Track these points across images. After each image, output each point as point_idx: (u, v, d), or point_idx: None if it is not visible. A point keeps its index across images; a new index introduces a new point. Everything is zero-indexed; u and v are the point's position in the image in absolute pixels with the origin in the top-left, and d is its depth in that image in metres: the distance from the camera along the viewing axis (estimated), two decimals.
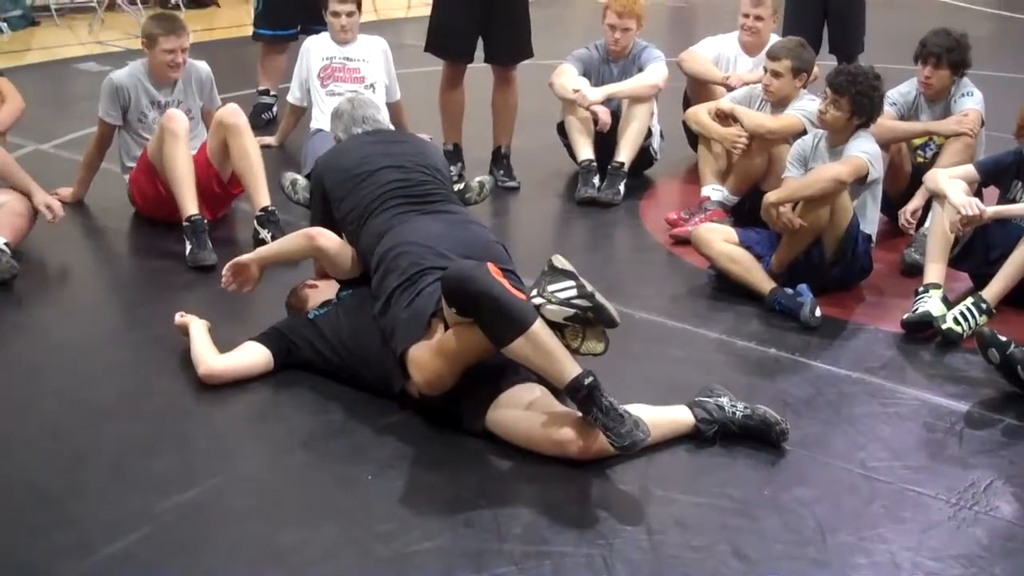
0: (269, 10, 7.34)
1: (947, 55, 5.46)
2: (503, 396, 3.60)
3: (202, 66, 5.73)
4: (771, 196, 4.81)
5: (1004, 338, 4.10)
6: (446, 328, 3.58)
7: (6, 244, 4.85)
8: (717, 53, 6.52)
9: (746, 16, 6.44)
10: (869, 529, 3.27)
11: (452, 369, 3.53)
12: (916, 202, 5.34)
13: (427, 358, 3.55)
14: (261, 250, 4.34)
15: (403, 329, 3.68)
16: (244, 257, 4.25)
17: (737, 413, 3.65)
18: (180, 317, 4.17)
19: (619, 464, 3.52)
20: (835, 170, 4.78)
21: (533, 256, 5.54)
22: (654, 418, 3.55)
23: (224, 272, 4.23)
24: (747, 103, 5.77)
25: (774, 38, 6.22)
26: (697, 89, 6.52)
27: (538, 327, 3.36)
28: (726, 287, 4.93)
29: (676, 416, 3.64)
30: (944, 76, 5.50)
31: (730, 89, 6.15)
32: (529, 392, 3.62)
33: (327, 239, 4.12)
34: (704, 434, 3.64)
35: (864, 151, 4.86)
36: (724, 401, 3.69)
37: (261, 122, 7.13)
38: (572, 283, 3.42)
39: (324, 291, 4.25)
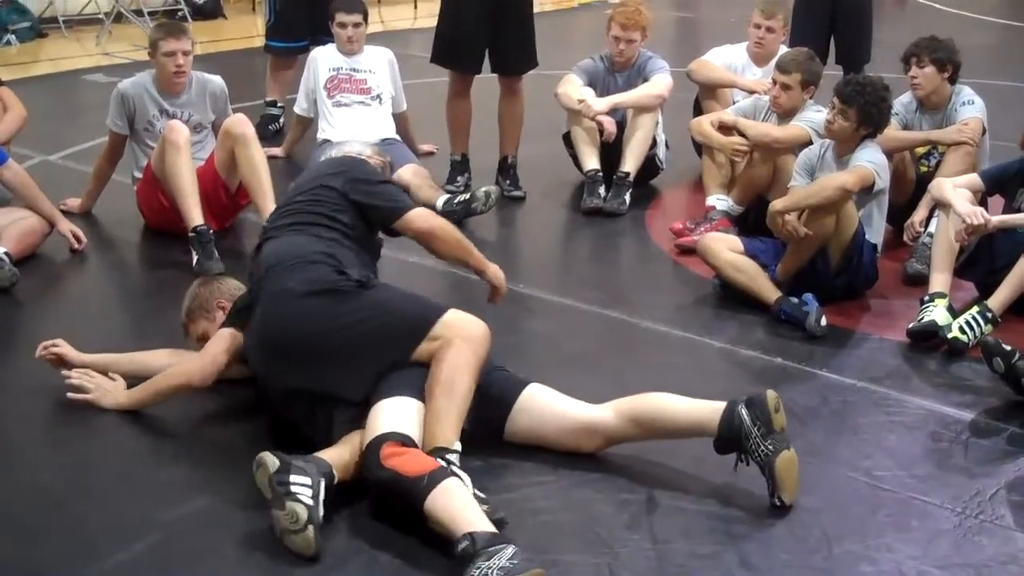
0: (280, 22, 7.37)
1: (928, 53, 5.49)
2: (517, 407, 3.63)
3: (217, 80, 5.75)
4: (777, 204, 4.82)
5: (1008, 347, 4.10)
6: None
7: (6, 253, 4.89)
8: (726, 63, 6.53)
9: (757, 27, 6.46)
10: (875, 538, 3.27)
11: None
12: (922, 212, 5.36)
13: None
14: None
15: None
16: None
17: (760, 451, 3.37)
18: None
19: (625, 472, 3.54)
20: (841, 179, 4.79)
21: (539, 266, 5.60)
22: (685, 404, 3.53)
23: None
24: (753, 113, 5.80)
25: (782, 50, 6.24)
26: (708, 98, 6.53)
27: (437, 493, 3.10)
28: (731, 296, 4.94)
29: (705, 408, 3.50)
30: (930, 75, 5.51)
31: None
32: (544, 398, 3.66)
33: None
34: (717, 447, 3.47)
35: (871, 160, 4.87)
36: (752, 442, 3.38)
37: (268, 133, 7.16)
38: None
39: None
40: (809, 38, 6.66)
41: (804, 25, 7.08)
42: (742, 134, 5.67)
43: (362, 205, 3.88)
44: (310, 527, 3.05)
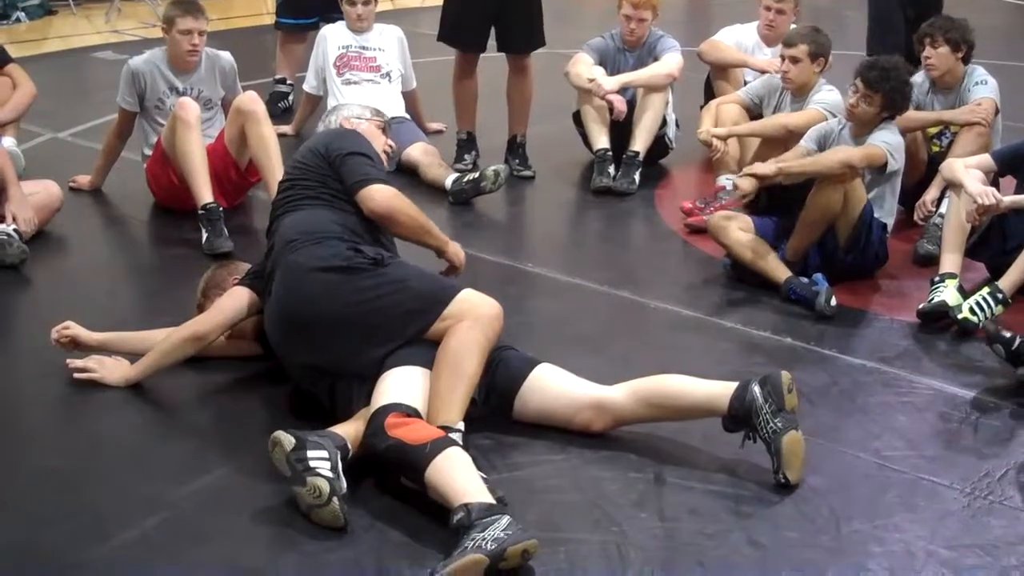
0: None
1: (942, 33, 5.47)
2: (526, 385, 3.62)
3: (226, 56, 5.74)
4: (769, 165, 4.83)
5: (1008, 334, 4.07)
6: None
7: (15, 230, 4.88)
8: (737, 42, 6.50)
9: (767, 9, 6.42)
10: (883, 518, 3.27)
11: None
12: (933, 192, 5.34)
13: None
14: None
15: None
16: None
17: (767, 428, 3.37)
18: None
19: (633, 451, 3.54)
20: (846, 154, 4.79)
21: (548, 245, 5.59)
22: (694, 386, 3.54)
23: None
24: (766, 93, 5.77)
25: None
26: (719, 78, 6.50)
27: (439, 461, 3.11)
28: (741, 276, 4.93)
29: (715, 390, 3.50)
30: (945, 55, 5.49)
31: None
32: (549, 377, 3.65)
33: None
34: (727, 425, 3.48)
35: (885, 141, 4.87)
36: (762, 418, 3.38)
37: (277, 111, 7.14)
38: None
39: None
40: (898, 30, 6.59)
41: (886, 25, 6.93)
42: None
43: (337, 174, 3.80)
44: (335, 499, 3.06)
